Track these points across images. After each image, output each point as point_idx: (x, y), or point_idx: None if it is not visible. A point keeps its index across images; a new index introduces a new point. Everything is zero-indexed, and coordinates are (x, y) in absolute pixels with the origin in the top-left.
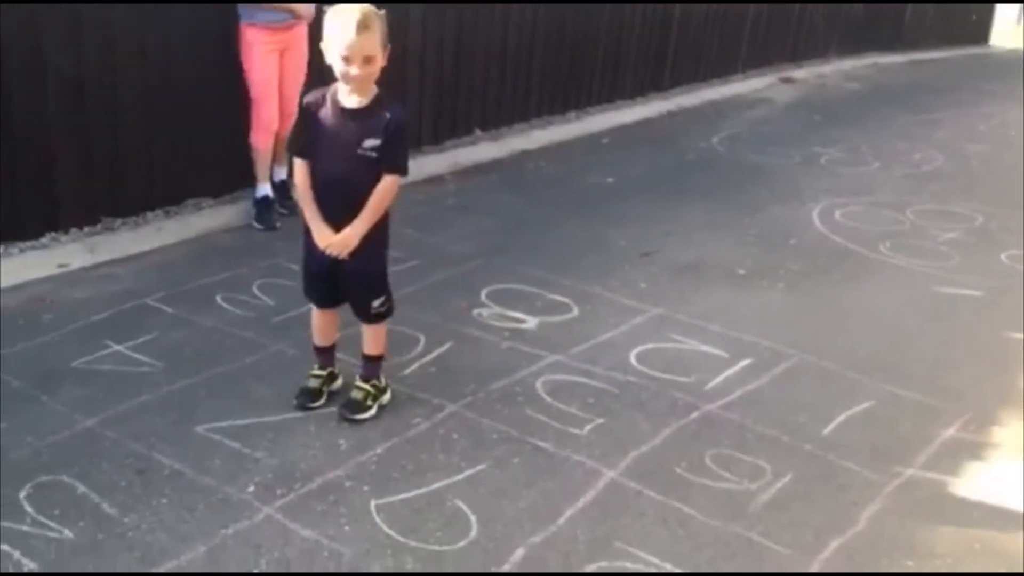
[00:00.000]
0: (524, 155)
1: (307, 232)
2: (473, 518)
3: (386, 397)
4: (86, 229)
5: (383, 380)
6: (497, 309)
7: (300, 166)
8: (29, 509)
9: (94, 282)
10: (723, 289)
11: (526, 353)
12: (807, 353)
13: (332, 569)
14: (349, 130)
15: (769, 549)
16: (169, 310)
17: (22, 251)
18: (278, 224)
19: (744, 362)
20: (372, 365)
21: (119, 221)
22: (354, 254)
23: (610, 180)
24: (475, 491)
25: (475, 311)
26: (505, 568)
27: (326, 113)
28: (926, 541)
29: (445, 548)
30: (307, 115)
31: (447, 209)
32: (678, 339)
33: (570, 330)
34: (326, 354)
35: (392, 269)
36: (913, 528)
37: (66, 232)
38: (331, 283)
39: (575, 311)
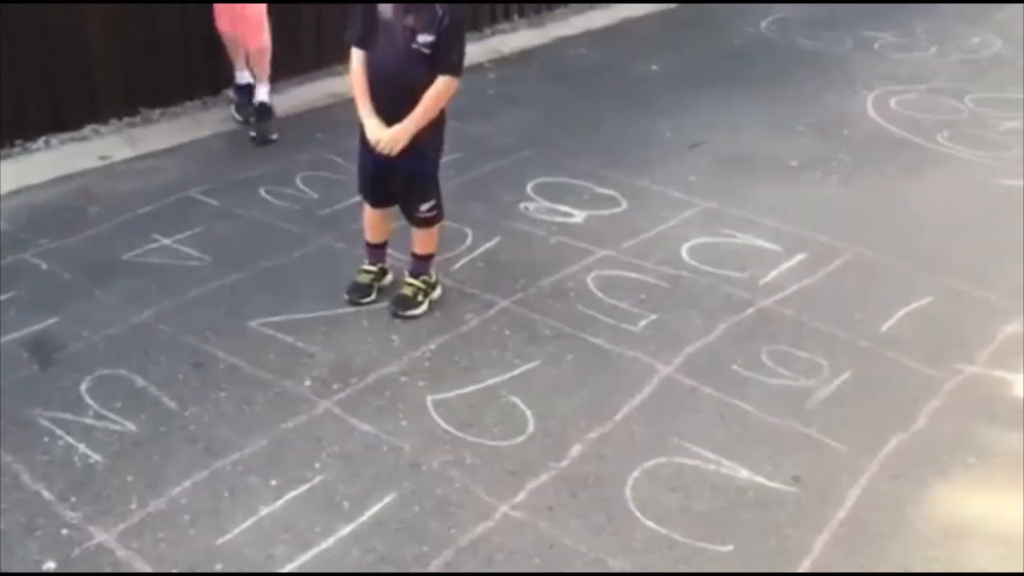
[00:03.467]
0: (565, 42)
1: (362, 127)
2: (529, 414)
3: (436, 292)
4: (125, 120)
5: (433, 275)
6: (544, 203)
7: (356, 56)
8: (91, 402)
9: (137, 174)
10: (775, 182)
11: (575, 248)
12: (863, 247)
13: (393, 462)
14: (404, 22)
15: (827, 446)
16: (214, 203)
17: (63, 143)
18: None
19: (798, 257)
20: (422, 263)
21: (158, 112)
22: (405, 153)
23: (655, 68)
24: (530, 387)
25: (522, 205)
26: (563, 463)
27: (384, 4)
28: (986, 440)
29: (503, 443)
30: (365, 3)
31: (489, 99)
32: (730, 233)
33: (619, 224)
34: (377, 251)
35: None
36: (974, 426)
37: (105, 123)
38: (383, 181)
39: (623, 205)
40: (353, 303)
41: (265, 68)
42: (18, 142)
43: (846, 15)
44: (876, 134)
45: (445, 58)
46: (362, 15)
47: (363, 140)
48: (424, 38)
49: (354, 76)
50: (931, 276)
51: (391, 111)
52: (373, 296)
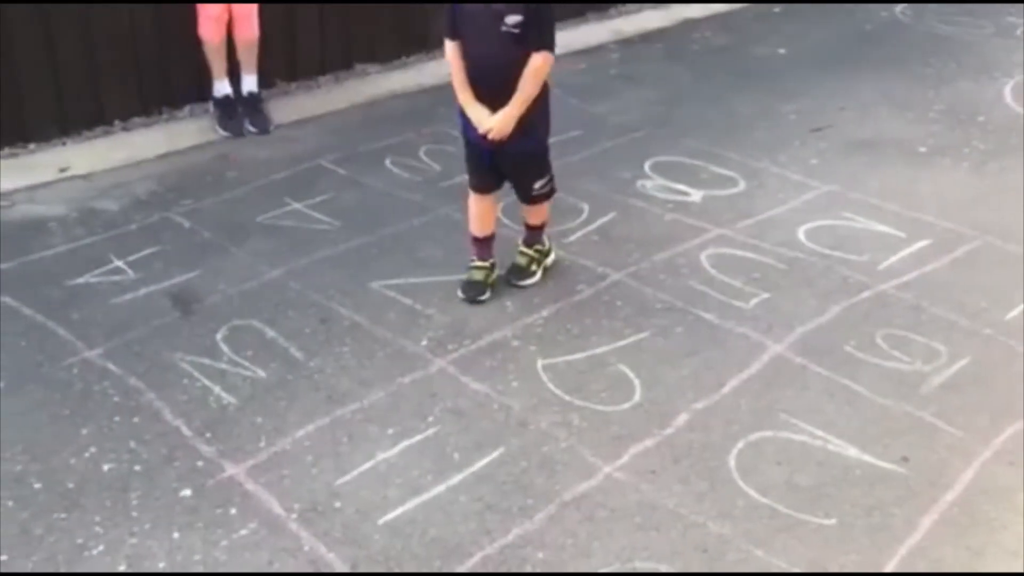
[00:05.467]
0: (690, 24)
1: (463, 116)
2: (636, 382)
3: (550, 259)
4: (262, 92)
5: (547, 243)
6: (661, 181)
7: (451, 48)
8: (226, 349)
9: (273, 143)
10: (901, 167)
11: (690, 225)
12: (991, 235)
13: (502, 419)
14: (491, 8)
15: (941, 430)
16: (342, 172)
17: (206, 112)
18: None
19: (922, 243)
20: (535, 232)
21: (294, 85)
22: (515, 136)
23: (782, 51)
24: (638, 356)
25: (639, 183)
26: (668, 431)
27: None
28: None
29: (610, 409)
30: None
31: (611, 79)
32: (850, 217)
33: (735, 204)
34: (485, 245)
35: (555, 139)
36: None
37: (268, 88)
38: (492, 165)
39: (741, 185)
40: (471, 301)
41: (253, 59)
42: (165, 109)
43: (987, 1)
44: (1012, 122)
45: (536, 35)
46: (451, 6)
47: (465, 128)
48: (512, 19)
49: (453, 68)
50: None
51: (492, 97)
52: (488, 294)
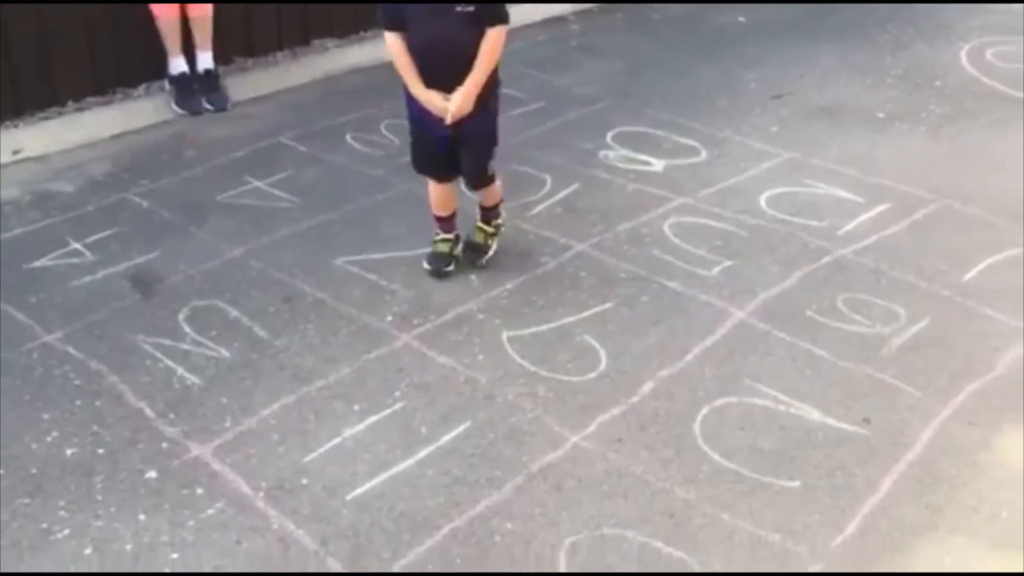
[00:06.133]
0: None
1: (412, 106)
2: (602, 352)
3: (502, 224)
4: (220, 69)
5: (502, 215)
6: (624, 151)
7: (394, 39)
8: (188, 330)
9: (231, 121)
10: (860, 133)
11: (653, 195)
12: (949, 199)
13: (469, 392)
14: None
15: (901, 390)
16: (302, 148)
17: (163, 90)
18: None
19: (881, 207)
20: (491, 211)
21: (250, 61)
22: (472, 116)
23: (741, 19)
24: (603, 327)
25: (601, 153)
26: (634, 400)
27: None
28: None
29: (576, 379)
30: None
31: (571, 50)
32: (811, 184)
33: (698, 173)
34: (449, 221)
35: (517, 111)
36: None
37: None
38: (448, 152)
39: (703, 154)
40: (437, 273)
41: (208, 35)
42: (120, 89)
43: None
44: (969, 86)
45: (490, 10)
46: (390, 6)
47: (416, 117)
48: (463, 7)
49: (399, 59)
50: (1018, 228)
51: (446, 81)
52: (453, 265)
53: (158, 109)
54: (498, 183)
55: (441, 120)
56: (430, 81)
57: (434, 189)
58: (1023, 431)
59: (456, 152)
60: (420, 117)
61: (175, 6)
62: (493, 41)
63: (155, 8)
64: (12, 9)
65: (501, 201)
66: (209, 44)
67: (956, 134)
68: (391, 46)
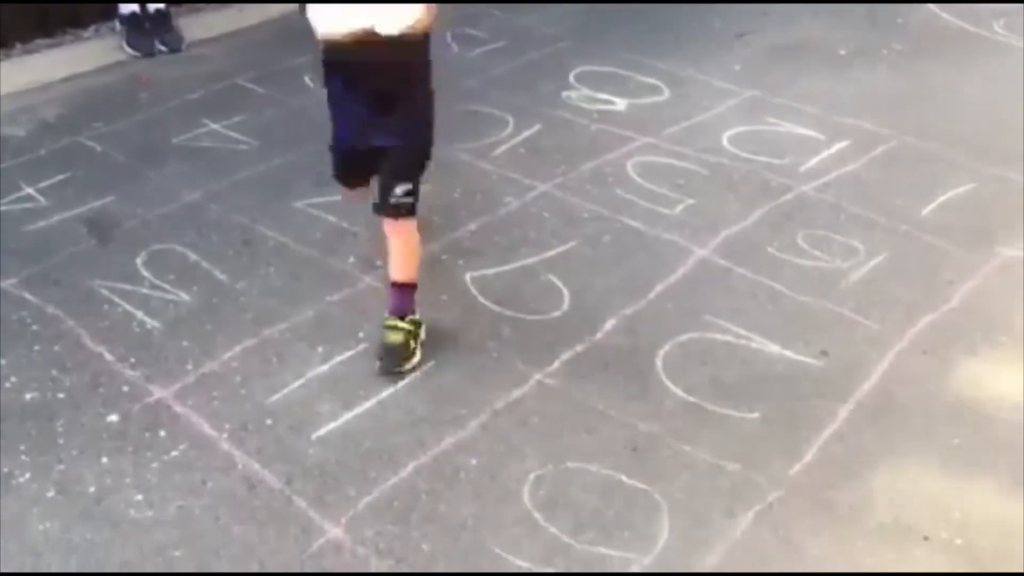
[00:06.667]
0: None
1: (335, 100)
2: (566, 291)
3: (423, 333)
4: (171, 9)
5: (417, 312)
6: (586, 91)
7: None
8: (146, 274)
9: (186, 63)
10: (822, 71)
11: (616, 135)
12: (908, 135)
13: (432, 333)
14: None
15: (859, 323)
16: (260, 90)
17: (113, 31)
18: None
19: (841, 144)
20: (406, 295)
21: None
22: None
23: None
24: (567, 266)
25: (564, 93)
26: (597, 337)
27: None
28: (1021, 320)
29: (539, 318)
30: None
31: None
32: (773, 121)
33: (661, 112)
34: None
35: (478, 50)
36: (1008, 307)
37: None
38: (367, 145)
39: (666, 93)
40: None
41: None
42: (70, 30)
43: None
44: (930, 23)
45: None
46: None
47: (339, 109)
48: None
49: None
50: (976, 163)
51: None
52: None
53: (109, 50)
54: (416, 244)
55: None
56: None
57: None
58: (976, 360)
59: (378, 140)
60: (339, 106)
61: None
62: None
63: None
64: None
65: (416, 286)
66: None
67: (917, 71)
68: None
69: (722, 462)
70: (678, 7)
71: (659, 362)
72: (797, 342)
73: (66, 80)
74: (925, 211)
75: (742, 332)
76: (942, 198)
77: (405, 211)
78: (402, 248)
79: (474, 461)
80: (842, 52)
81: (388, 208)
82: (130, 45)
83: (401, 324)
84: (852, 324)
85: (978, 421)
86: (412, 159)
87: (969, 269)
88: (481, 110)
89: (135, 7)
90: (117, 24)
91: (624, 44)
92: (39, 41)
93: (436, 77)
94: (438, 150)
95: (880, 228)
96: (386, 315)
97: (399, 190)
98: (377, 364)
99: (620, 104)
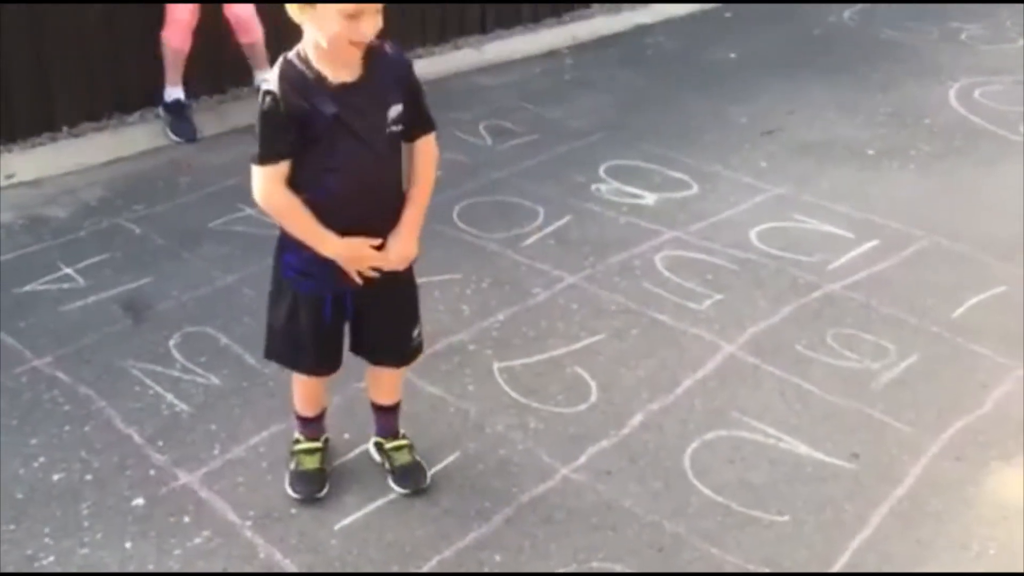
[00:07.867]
0: (643, 29)
1: (301, 273)
2: (593, 384)
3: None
4: (216, 97)
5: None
6: (615, 184)
7: (275, 177)
8: (178, 356)
9: (225, 148)
10: (850, 170)
11: (644, 228)
12: (939, 236)
13: (459, 423)
14: (369, 108)
15: (890, 426)
16: None
17: (158, 117)
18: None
19: (871, 243)
20: (393, 416)
21: (246, 89)
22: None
23: (732, 55)
24: (594, 359)
25: (593, 186)
26: (624, 432)
27: (319, 101)
28: None
29: (566, 410)
30: (289, 109)
31: (565, 84)
32: (801, 219)
33: (689, 207)
34: (319, 421)
35: (510, 143)
36: None
37: (196, 99)
38: (336, 325)
39: (694, 188)
40: (309, 499)
41: (264, 59)
42: (116, 115)
43: (933, 6)
44: (958, 125)
45: (421, 113)
46: (282, 126)
47: (296, 298)
48: (395, 110)
49: (289, 210)
50: (1007, 266)
51: (377, 227)
52: (327, 487)
53: (153, 135)
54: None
55: (343, 277)
56: (356, 231)
57: (309, 385)
58: (1011, 467)
59: (340, 328)
60: (315, 282)
61: (189, 38)
62: (432, 153)
63: (168, 36)
64: (9, 33)
65: (400, 403)
66: (266, 63)
67: (945, 171)
68: (270, 188)
69: (750, 566)
70: (705, 104)
71: (686, 460)
72: (827, 443)
73: (110, 163)
74: (956, 313)
75: (770, 431)
76: (973, 300)
77: (418, 353)
78: (397, 376)
79: (498, 557)
80: (870, 151)
81: (408, 359)
82: (173, 131)
83: (402, 441)
84: (883, 426)
85: (1013, 531)
86: (415, 293)
87: (1002, 373)
88: (512, 201)
89: (180, 94)
90: (160, 110)
91: (652, 138)
92: (85, 124)
93: (470, 167)
94: (470, 239)
95: (911, 329)
96: (379, 439)
97: (415, 332)
98: (399, 489)
99: (649, 198)
